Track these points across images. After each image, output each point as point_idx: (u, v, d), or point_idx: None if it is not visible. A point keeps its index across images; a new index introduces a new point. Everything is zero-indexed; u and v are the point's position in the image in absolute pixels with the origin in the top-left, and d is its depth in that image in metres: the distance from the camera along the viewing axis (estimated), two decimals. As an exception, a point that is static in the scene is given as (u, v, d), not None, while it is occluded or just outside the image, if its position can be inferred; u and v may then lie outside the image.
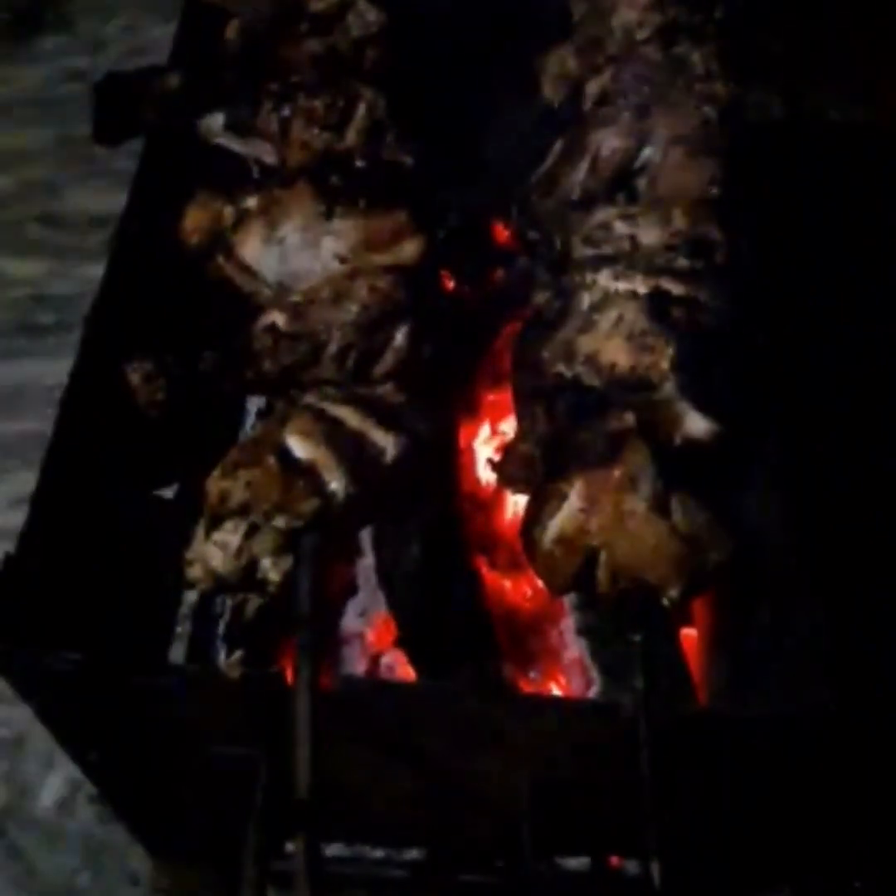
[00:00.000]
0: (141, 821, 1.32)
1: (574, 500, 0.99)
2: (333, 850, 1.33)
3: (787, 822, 1.15)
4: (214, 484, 1.01)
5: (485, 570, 1.33)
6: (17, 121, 2.36)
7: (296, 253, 1.17)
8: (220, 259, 1.19)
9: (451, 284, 1.42)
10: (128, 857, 1.43)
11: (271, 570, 1.01)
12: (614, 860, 1.29)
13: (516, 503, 1.34)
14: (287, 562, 1.01)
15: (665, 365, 1.06)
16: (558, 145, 1.28)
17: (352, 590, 1.32)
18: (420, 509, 1.24)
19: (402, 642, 1.26)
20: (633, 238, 1.15)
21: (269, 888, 1.05)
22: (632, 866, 1.29)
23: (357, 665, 1.30)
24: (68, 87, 2.37)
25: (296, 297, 1.15)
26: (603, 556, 0.99)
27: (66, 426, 1.15)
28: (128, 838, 1.39)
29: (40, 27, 2.51)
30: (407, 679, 1.25)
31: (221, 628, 1.33)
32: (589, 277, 1.14)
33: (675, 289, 1.11)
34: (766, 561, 1.11)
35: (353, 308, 1.12)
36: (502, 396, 1.39)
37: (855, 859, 1.27)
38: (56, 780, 1.51)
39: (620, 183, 1.23)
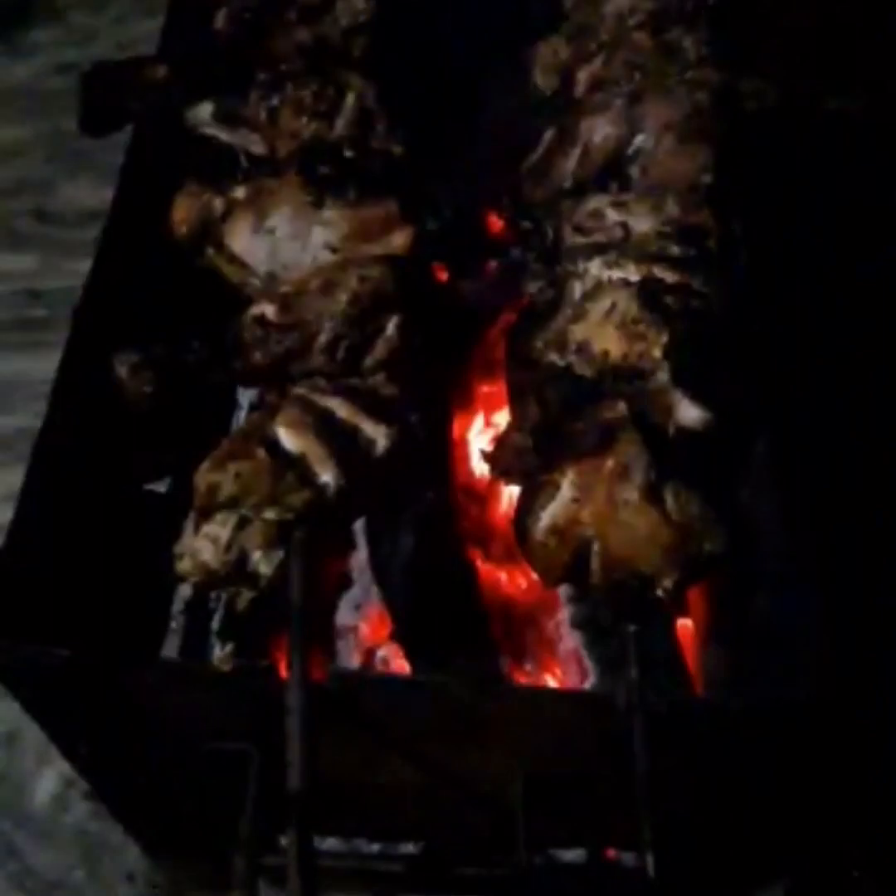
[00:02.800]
0: (134, 817, 1.32)
1: (566, 490, 0.99)
2: (329, 844, 1.32)
3: (783, 812, 1.15)
4: (203, 477, 1.00)
5: (479, 562, 1.32)
6: (8, 115, 2.35)
7: (285, 243, 1.16)
8: (209, 250, 1.18)
9: (443, 274, 1.41)
10: (123, 853, 1.43)
11: (262, 563, 1.00)
12: (610, 852, 1.29)
13: (511, 494, 1.33)
14: (278, 555, 1.00)
15: (658, 353, 1.05)
16: (550, 133, 1.27)
17: (346, 583, 1.31)
18: (414, 501, 1.23)
19: (396, 635, 1.25)
20: (625, 226, 1.14)
21: (264, 883, 1.05)
22: (628, 858, 1.28)
23: (351, 658, 1.29)
24: (59, 80, 2.36)
25: (285, 288, 1.14)
26: (596, 547, 0.98)
27: (55, 420, 1.14)
28: (123, 834, 1.38)
29: (30, 20, 2.50)
30: (401, 672, 1.24)
31: (216, 622, 1.32)
32: (581, 266, 1.13)
33: (668, 277, 1.10)
34: (762, 551, 1.10)
35: (344, 298, 1.11)
36: (496, 387, 1.39)
37: (852, 849, 1.27)
38: (50, 776, 1.51)
39: (612, 170, 1.22)
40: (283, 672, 0.97)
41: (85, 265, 1.24)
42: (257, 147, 1.24)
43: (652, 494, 0.97)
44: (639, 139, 1.22)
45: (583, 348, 1.08)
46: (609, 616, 1.11)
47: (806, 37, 1.99)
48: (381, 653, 1.30)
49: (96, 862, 1.44)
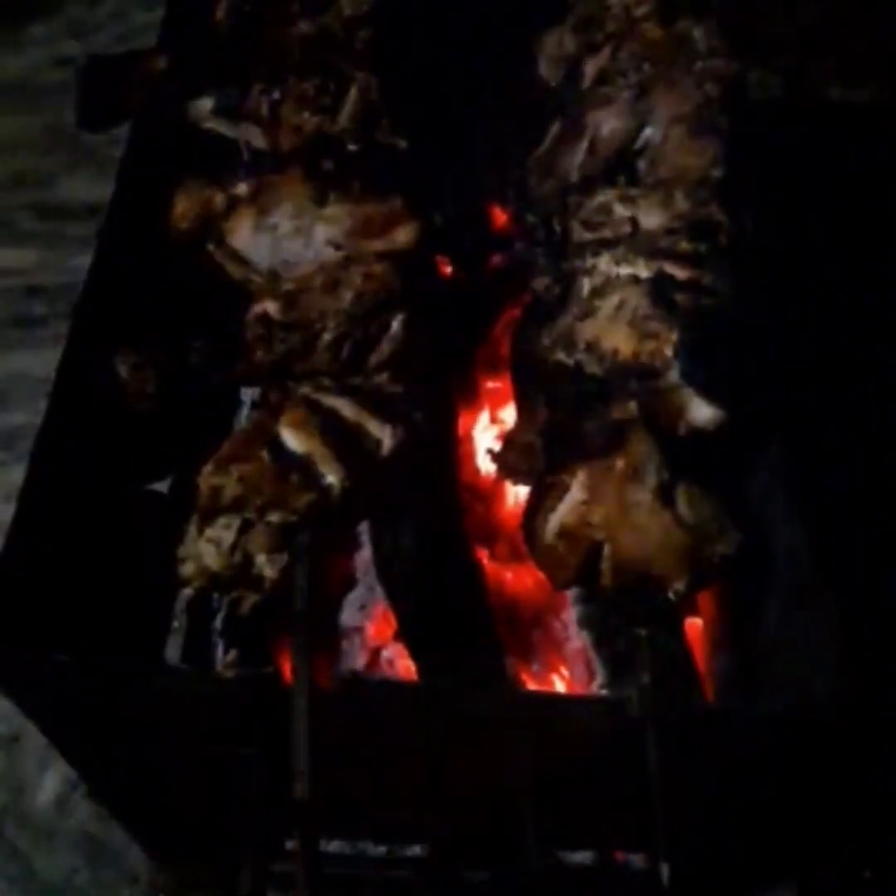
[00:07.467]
0: (138, 821, 1.30)
1: (576, 491, 0.97)
2: (336, 847, 1.31)
3: (795, 816, 1.14)
4: (206, 480, 0.98)
5: (486, 562, 1.31)
6: (6, 109, 2.33)
7: (288, 240, 1.14)
8: (211, 247, 1.16)
9: (448, 270, 1.39)
10: (126, 855, 1.41)
11: (266, 566, 0.99)
12: (619, 855, 1.28)
13: (517, 493, 1.31)
14: (282, 558, 0.98)
15: (668, 351, 1.03)
16: (556, 126, 1.25)
17: (350, 583, 1.30)
18: (419, 501, 1.22)
19: (402, 636, 1.24)
20: (633, 221, 1.13)
21: (270, 888, 1.04)
22: (637, 860, 1.27)
23: (357, 659, 1.28)
24: (57, 73, 2.34)
25: (288, 286, 1.12)
26: (606, 549, 0.96)
27: (55, 419, 1.12)
28: (126, 836, 1.37)
29: (27, 13, 2.48)
30: (407, 673, 1.23)
31: (219, 623, 1.31)
32: (589, 262, 1.11)
33: (678, 272, 1.08)
34: (774, 553, 1.09)
35: (348, 296, 1.10)
36: (502, 384, 1.37)
37: (863, 850, 1.26)
38: (53, 778, 1.49)
39: (620, 164, 1.20)
40: (288, 677, 0.96)
41: (85, 261, 1.23)
42: (259, 141, 1.22)
43: (663, 496, 0.95)
44: (647, 132, 1.20)
45: (592, 346, 1.06)
46: (619, 619, 1.09)
47: (814, 26, 1.97)
48: (386, 653, 1.28)
49: (99, 864, 1.43)
